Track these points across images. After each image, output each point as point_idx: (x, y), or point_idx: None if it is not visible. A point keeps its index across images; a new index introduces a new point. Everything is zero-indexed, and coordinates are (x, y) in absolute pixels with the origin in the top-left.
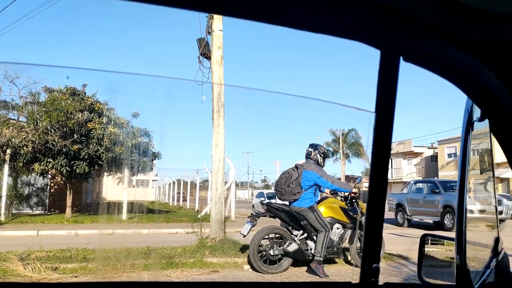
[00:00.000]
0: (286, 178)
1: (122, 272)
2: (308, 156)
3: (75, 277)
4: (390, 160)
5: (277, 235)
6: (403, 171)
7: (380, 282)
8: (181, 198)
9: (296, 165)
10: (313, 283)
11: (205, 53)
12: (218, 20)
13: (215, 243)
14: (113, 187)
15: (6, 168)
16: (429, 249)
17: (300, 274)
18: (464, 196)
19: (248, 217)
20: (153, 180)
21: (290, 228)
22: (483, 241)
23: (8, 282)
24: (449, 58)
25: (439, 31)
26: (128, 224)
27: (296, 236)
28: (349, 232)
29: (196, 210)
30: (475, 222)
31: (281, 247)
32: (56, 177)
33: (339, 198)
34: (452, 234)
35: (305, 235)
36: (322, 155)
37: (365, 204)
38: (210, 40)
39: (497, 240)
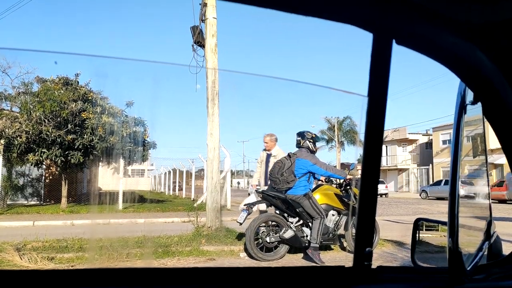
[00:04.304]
0: (279, 167)
1: (118, 261)
2: (298, 144)
3: (72, 266)
4: (384, 147)
5: (273, 223)
6: (398, 158)
7: (374, 266)
8: (177, 188)
9: (289, 154)
10: (306, 268)
11: (199, 41)
12: (211, 8)
13: (211, 231)
14: (108, 177)
15: (0, 159)
16: (424, 234)
17: (295, 261)
18: (456, 180)
19: (244, 205)
20: (148, 170)
21: (285, 215)
22: (475, 225)
23: (4, 270)
24: (442, 41)
25: (432, 13)
26: (124, 214)
27: (292, 223)
28: (344, 218)
29: (192, 199)
30: (467, 206)
31: (277, 234)
32: (51, 168)
33: (334, 185)
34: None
35: (301, 222)
36: (312, 141)
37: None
38: (204, 28)
39: (489, 223)
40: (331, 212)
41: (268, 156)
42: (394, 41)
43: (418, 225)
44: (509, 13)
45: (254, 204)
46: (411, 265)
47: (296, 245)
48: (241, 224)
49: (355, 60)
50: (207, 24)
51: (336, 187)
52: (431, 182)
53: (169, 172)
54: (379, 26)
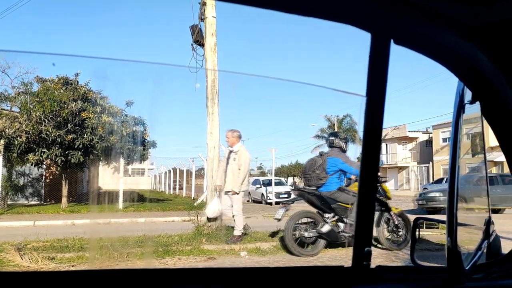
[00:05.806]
0: (311, 164)
1: (119, 260)
2: (331, 144)
3: (72, 266)
4: (384, 145)
5: (309, 219)
6: (398, 156)
7: (373, 266)
8: (177, 187)
9: (320, 153)
10: (306, 268)
11: (199, 40)
12: (211, 7)
13: (211, 230)
14: (108, 177)
15: (0, 159)
16: (424, 232)
17: (296, 261)
18: (455, 178)
19: (282, 203)
20: (148, 169)
21: (320, 212)
22: (474, 223)
23: (5, 272)
24: (440, 40)
25: (430, 13)
26: (124, 213)
27: (327, 218)
28: (376, 214)
29: (192, 198)
30: (466, 204)
31: (315, 229)
32: (51, 167)
33: None
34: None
35: (336, 217)
36: (344, 141)
37: (389, 188)
38: (203, 27)
39: (488, 222)
40: None
41: (230, 152)
42: (392, 40)
43: (417, 224)
44: (508, 14)
45: (293, 201)
46: (411, 264)
47: (333, 239)
48: (279, 220)
49: (354, 60)
50: (207, 23)
51: None
52: (431, 180)
53: (169, 171)
54: (377, 26)
